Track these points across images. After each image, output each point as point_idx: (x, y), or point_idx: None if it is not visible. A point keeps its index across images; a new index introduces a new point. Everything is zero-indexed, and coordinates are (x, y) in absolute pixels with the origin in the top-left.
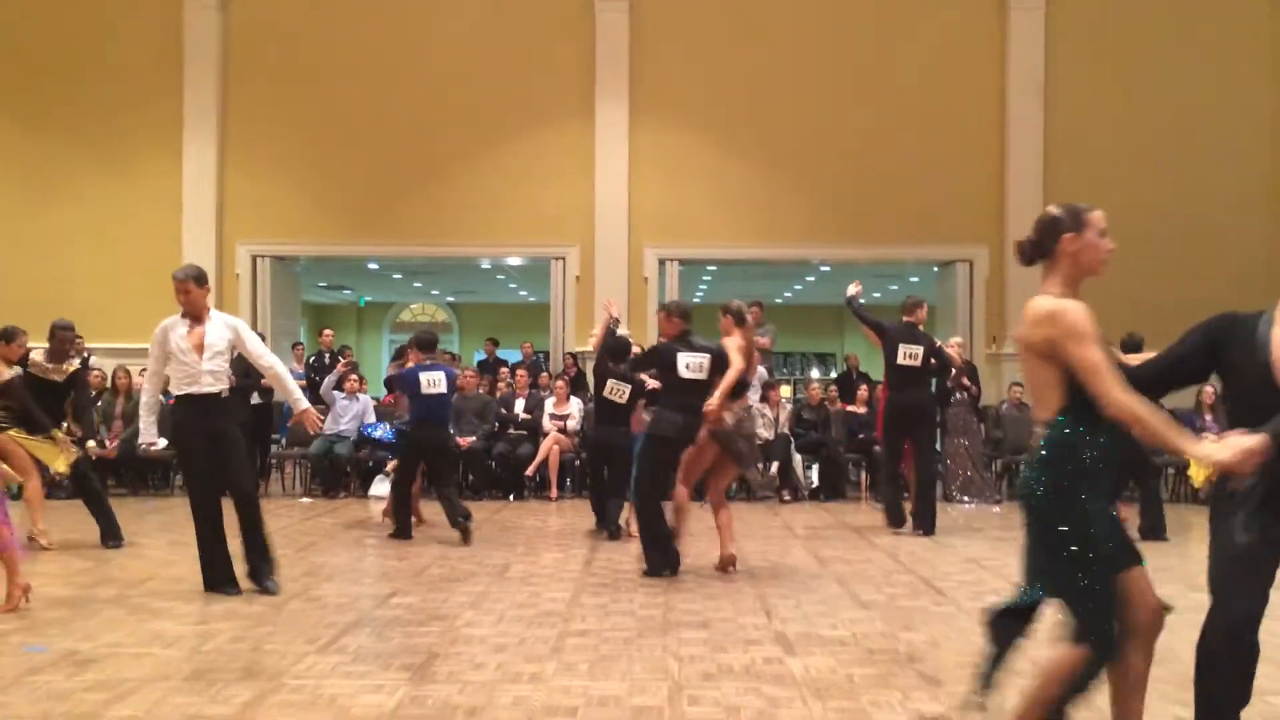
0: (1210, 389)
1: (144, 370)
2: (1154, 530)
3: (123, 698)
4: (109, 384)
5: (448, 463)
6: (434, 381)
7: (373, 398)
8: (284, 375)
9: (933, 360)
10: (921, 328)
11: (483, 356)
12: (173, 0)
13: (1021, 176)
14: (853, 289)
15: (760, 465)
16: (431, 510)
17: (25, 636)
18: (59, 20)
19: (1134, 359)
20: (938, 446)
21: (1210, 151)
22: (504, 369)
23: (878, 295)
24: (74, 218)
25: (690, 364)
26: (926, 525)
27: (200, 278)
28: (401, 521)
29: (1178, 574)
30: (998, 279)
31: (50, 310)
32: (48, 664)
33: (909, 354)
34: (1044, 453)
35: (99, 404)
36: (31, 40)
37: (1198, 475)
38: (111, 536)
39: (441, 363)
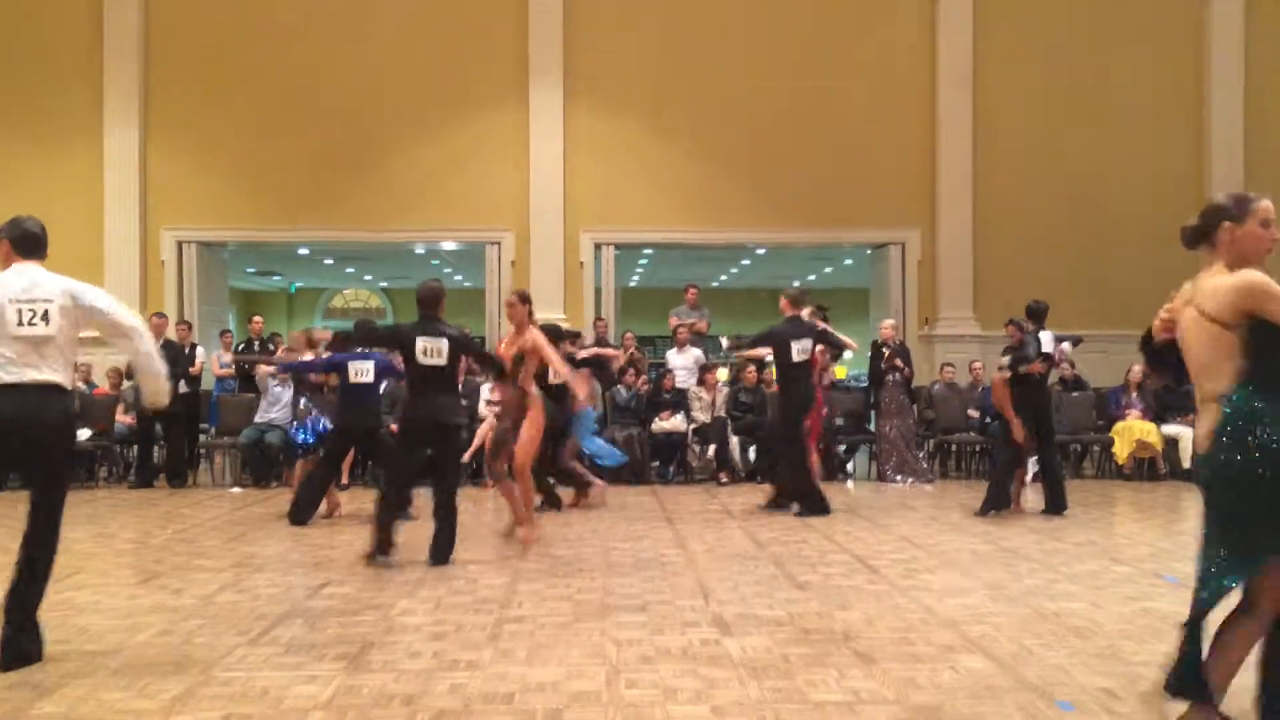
0: (1138, 367)
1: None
2: (1055, 505)
3: (47, 694)
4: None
5: (382, 450)
6: (361, 371)
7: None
8: None
9: (821, 347)
10: (805, 317)
11: None
12: None
13: (951, 161)
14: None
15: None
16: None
17: None
18: None
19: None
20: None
21: (1134, 138)
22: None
23: (812, 278)
24: None
25: (429, 349)
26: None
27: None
28: (302, 507)
29: (1101, 548)
30: (929, 261)
31: None
32: None
33: (801, 349)
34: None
35: None
36: None
37: (1122, 451)
38: None
39: (376, 352)
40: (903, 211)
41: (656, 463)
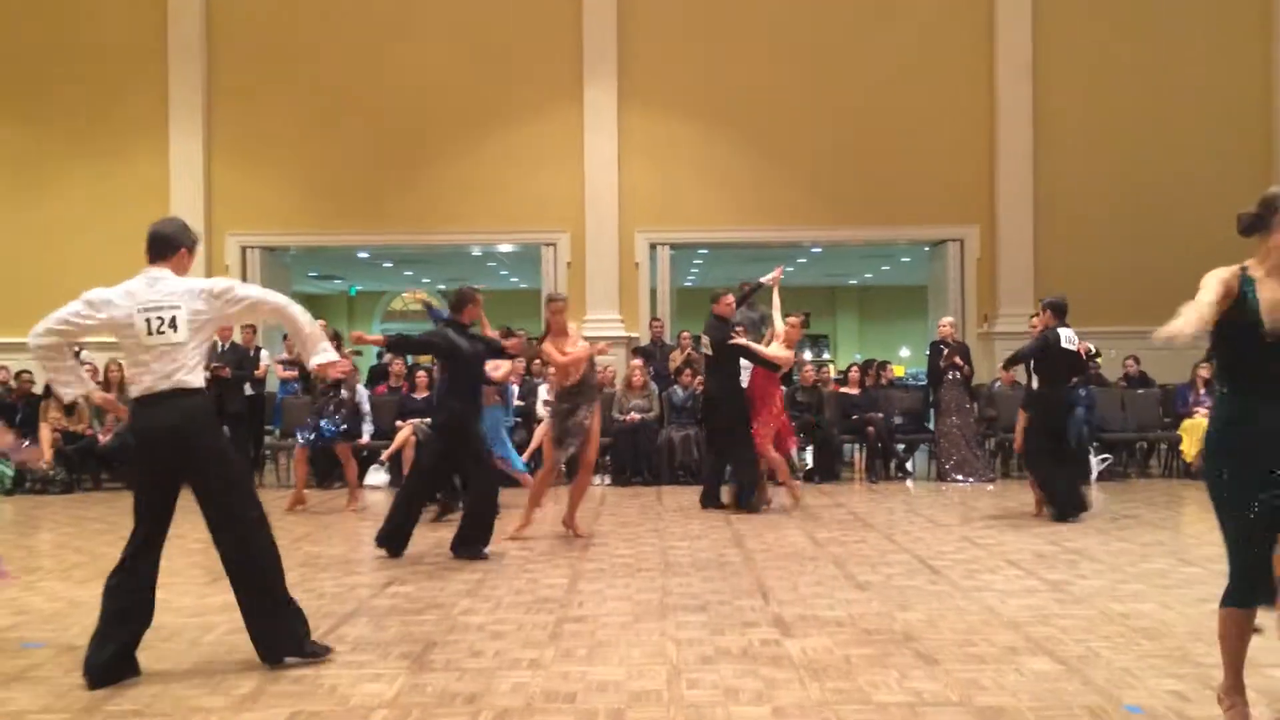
0: (1206, 365)
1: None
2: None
3: (122, 691)
4: (101, 377)
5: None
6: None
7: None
8: None
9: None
10: (733, 317)
11: None
12: None
13: (1011, 155)
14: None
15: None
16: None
17: (24, 633)
18: (42, 11)
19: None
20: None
21: (1200, 129)
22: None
23: (869, 276)
24: (61, 210)
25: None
26: (746, 502)
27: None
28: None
29: (1169, 548)
30: (988, 258)
31: (37, 304)
32: (47, 660)
33: (705, 343)
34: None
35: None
36: (14, 31)
37: (1189, 449)
38: None
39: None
40: (961, 207)
41: None
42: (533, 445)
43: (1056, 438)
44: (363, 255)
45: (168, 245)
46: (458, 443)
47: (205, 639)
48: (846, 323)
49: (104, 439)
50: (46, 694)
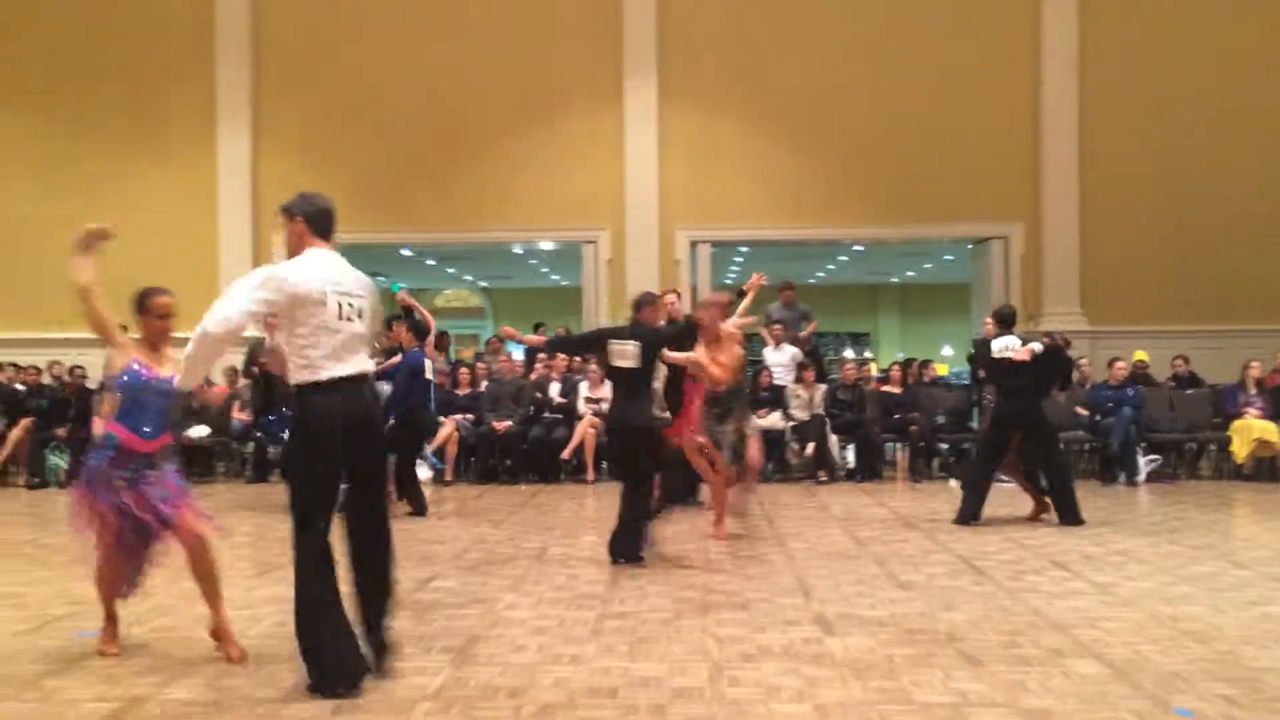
0: (1256, 364)
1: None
2: (1068, 514)
3: (174, 681)
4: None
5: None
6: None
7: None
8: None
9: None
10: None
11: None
12: None
13: (1056, 151)
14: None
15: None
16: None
17: (77, 622)
18: (90, 13)
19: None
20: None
21: (1250, 123)
22: (540, 353)
23: (911, 274)
24: (110, 210)
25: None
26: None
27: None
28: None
29: (1220, 551)
30: (1033, 255)
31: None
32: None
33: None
34: None
35: None
36: (64, 34)
37: (1240, 450)
38: None
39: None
40: (1005, 204)
41: None
42: (573, 443)
43: (998, 450)
44: (406, 253)
45: (333, 224)
46: (625, 442)
47: (252, 631)
48: (888, 321)
49: None
50: (99, 682)
